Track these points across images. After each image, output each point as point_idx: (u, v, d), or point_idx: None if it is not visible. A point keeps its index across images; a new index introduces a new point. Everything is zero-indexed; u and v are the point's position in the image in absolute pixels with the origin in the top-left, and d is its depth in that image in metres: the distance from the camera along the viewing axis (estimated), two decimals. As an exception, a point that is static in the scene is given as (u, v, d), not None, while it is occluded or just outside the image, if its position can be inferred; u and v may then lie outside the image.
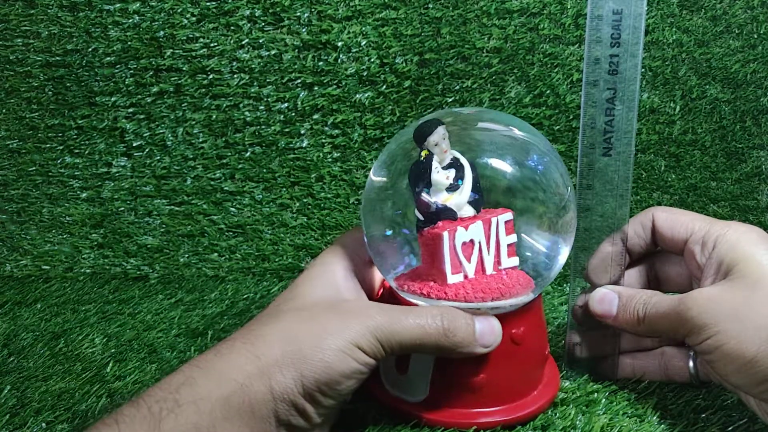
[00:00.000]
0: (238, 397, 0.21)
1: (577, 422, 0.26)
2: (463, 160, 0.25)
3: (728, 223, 0.26)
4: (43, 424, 0.27)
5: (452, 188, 0.25)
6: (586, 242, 0.28)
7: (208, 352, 0.22)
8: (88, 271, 0.46)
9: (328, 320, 0.23)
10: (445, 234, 0.24)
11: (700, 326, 0.23)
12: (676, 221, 0.27)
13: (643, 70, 0.46)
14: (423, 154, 0.24)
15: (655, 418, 0.26)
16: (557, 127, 0.46)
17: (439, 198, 0.24)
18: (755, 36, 0.46)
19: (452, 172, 0.25)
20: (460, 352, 0.24)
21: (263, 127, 0.46)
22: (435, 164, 0.24)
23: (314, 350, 0.21)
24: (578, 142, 0.27)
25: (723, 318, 0.23)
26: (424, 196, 0.24)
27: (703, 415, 0.27)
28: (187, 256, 0.46)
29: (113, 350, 0.34)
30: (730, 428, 0.26)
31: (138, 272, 0.45)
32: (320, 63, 0.45)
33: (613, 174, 0.27)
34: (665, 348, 0.29)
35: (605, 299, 0.27)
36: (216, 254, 0.46)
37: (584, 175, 0.27)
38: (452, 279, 0.24)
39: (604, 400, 0.27)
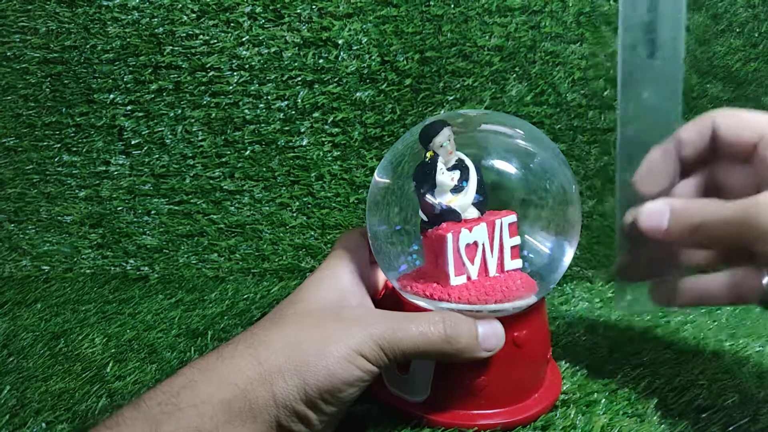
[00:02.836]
0: (239, 401, 0.20)
1: (578, 422, 0.26)
2: (468, 162, 0.25)
3: None
4: (43, 424, 0.27)
5: (457, 189, 0.25)
6: (633, 151, 0.24)
7: (210, 355, 0.22)
8: (88, 271, 0.45)
9: (331, 327, 0.23)
10: (449, 235, 0.24)
11: None
12: (743, 123, 0.24)
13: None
14: (428, 155, 0.24)
15: (655, 418, 0.26)
16: (558, 126, 0.46)
17: (443, 199, 0.24)
18: (756, 34, 0.46)
19: (457, 174, 0.24)
20: (463, 358, 0.24)
21: (263, 125, 0.46)
22: (440, 165, 0.24)
23: (317, 358, 0.21)
24: (617, 44, 0.24)
25: None
26: (429, 197, 0.24)
27: (704, 415, 0.27)
28: (186, 256, 0.46)
29: (113, 350, 0.34)
30: (731, 428, 0.26)
31: (138, 273, 0.45)
32: (321, 60, 0.45)
33: (659, 76, 0.23)
34: (731, 269, 0.26)
35: (654, 212, 0.24)
36: (216, 254, 0.46)
37: (626, 81, 0.24)
38: (455, 281, 0.24)
39: (604, 400, 0.27)
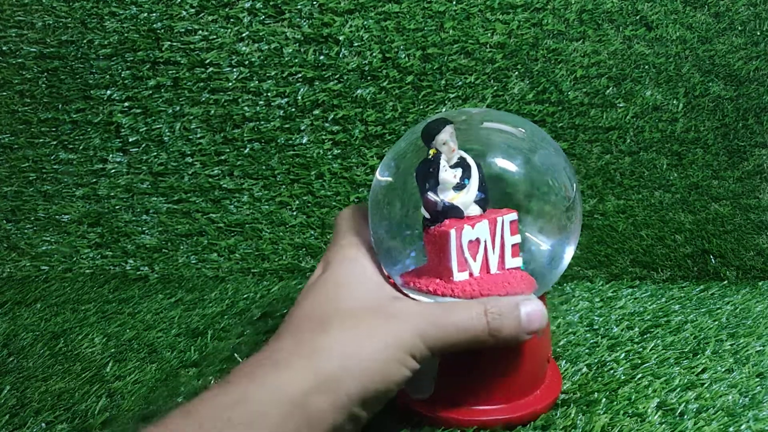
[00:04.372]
0: (296, 417, 0.20)
1: (578, 422, 0.26)
2: (470, 160, 0.25)
3: None
4: (43, 424, 0.27)
5: (459, 187, 0.25)
6: None
7: (263, 361, 0.22)
8: (87, 271, 0.45)
9: (378, 327, 0.23)
10: (453, 232, 0.24)
11: None
12: None
13: (646, 66, 0.46)
14: (431, 152, 0.24)
15: (656, 417, 0.26)
16: (560, 124, 0.46)
17: (446, 197, 0.24)
18: (758, 33, 0.46)
19: (459, 171, 0.24)
20: (506, 344, 0.24)
21: (262, 122, 0.45)
22: (443, 163, 0.24)
23: (372, 362, 0.22)
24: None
25: None
26: (431, 194, 0.24)
27: (703, 415, 0.27)
28: (186, 255, 0.46)
29: (113, 350, 0.34)
30: (731, 429, 0.26)
31: (137, 272, 0.45)
32: (321, 57, 0.44)
33: None
34: None
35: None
36: (215, 254, 0.46)
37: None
38: (458, 276, 0.24)
39: (604, 399, 0.28)
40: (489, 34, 0.45)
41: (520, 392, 0.26)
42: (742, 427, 0.26)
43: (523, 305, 0.24)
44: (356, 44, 0.44)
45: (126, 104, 0.45)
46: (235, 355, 0.33)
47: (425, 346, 0.22)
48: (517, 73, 0.45)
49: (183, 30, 0.44)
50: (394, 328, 0.22)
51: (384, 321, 0.23)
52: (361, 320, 0.23)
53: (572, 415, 0.27)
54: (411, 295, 0.25)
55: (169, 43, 0.44)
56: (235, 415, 0.20)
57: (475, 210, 0.25)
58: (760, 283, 0.46)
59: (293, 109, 0.45)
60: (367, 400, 0.22)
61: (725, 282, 0.46)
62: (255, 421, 0.20)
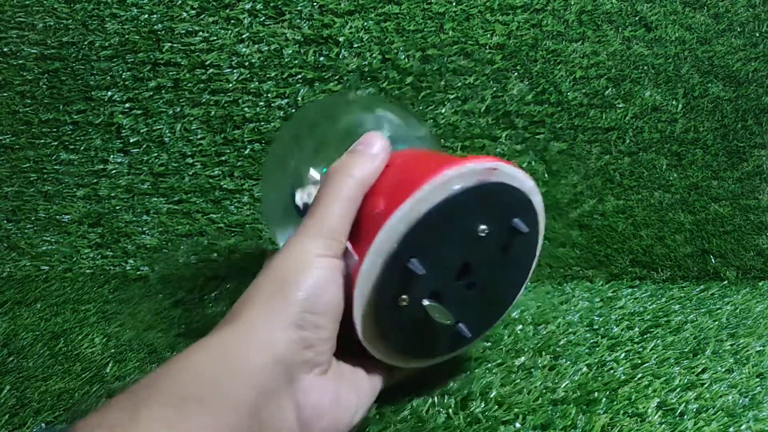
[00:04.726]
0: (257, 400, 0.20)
1: (578, 422, 0.26)
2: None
3: None
4: (43, 425, 0.27)
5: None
6: None
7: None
8: (87, 271, 0.45)
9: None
10: None
11: None
12: None
13: (645, 67, 0.46)
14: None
15: (656, 417, 0.26)
16: (559, 124, 0.46)
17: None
18: (757, 34, 0.46)
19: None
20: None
21: (263, 123, 0.45)
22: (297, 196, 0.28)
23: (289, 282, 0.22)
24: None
25: None
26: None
27: (703, 415, 0.27)
28: (186, 255, 0.46)
29: (113, 350, 0.34)
30: (731, 429, 0.26)
31: (137, 273, 0.45)
32: (321, 58, 0.45)
33: None
34: None
35: None
36: (215, 254, 0.46)
37: None
38: None
39: (604, 399, 0.27)
40: (488, 35, 0.45)
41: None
42: (742, 427, 0.26)
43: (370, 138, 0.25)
44: (356, 45, 0.44)
45: (127, 105, 0.45)
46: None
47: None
48: (516, 74, 0.45)
49: (183, 31, 0.44)
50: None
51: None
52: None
53: (572, 415, 0.27)
54: None
55: (169, 44, 0.44)
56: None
57: None
58: (760, 283, 0.46)
59: (293, 110, 0.45)
60: (301, 322, 0.21)
61: (725, 282, 0.46)
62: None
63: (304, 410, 0.21)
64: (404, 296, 0.23)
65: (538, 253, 0.28)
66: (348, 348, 0.24)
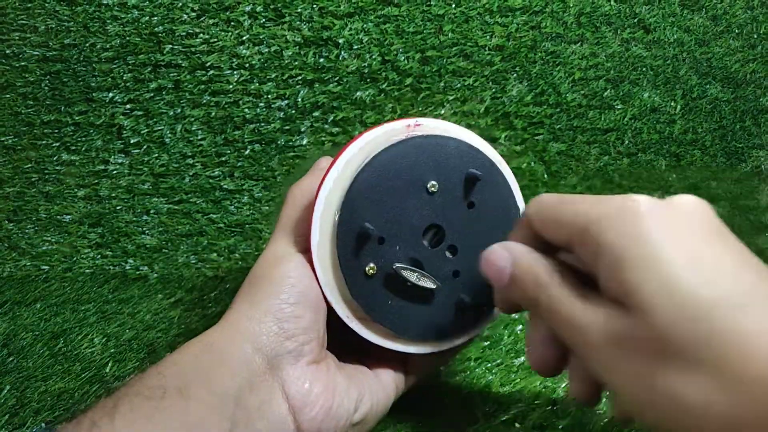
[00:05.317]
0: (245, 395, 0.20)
1: (578, 422, 0.26)
2: None
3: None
4: (43, 425, 0.27)
5: None
6: None
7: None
8: (87, 271, 0.45)
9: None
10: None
11: None
12: (556, 223, 0.20)
13: (644, 69, 0.46)
14: None
15: (656, 417, 0.26)
16: (558, 126, 0.46)
17: None
18: (755, 36, 0.46)
19: None
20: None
21: (263, 124, 0.46)
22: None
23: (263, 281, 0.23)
24: None
25: None
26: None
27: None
28: (186, 255, 0.46)
29: (113, 350, 0.34)
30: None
31: (137, 272, 0.45)
32: (321, 60, 0.45)
33: None
34: None
35: (498, 260, 0.21)
36: (215, 254, 0.46)
37: None
38: None
39: (604, 398, 0.27)
40: (488, 37, 0.45)
41: None
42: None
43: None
44: (356, 47, 0.45)
45: (128, 106, 0.45)
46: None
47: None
48: (515, 75, 0.46)
49: (184, 33, 0.44)
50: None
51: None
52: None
53: (572, 414, 0.26)
54: None
55: (170, 46, 0.44)
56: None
57: None
58: (759, 284, 0.46)
59: (293, 111, 0.46)
60: (278, 315, 0.22)
61: (725, 283, 0.46)
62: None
63: (294, 399, 0.21)
64: (371, 264, 0.23)
65: (521, 205, 0.26)
66: (352, 349, 0.24)
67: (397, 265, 0.23)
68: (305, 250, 0.24)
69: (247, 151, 0.46)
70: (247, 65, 0.45)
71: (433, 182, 0.23)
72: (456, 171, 0.24)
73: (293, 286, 0.22)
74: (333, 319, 0.24)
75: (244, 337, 0.21)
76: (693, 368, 0.15)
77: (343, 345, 0.24)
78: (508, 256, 0.21)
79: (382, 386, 0.25)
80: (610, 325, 0.17)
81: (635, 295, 0.16)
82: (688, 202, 0.18)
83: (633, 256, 0.17)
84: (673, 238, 0.17)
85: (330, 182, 0.23)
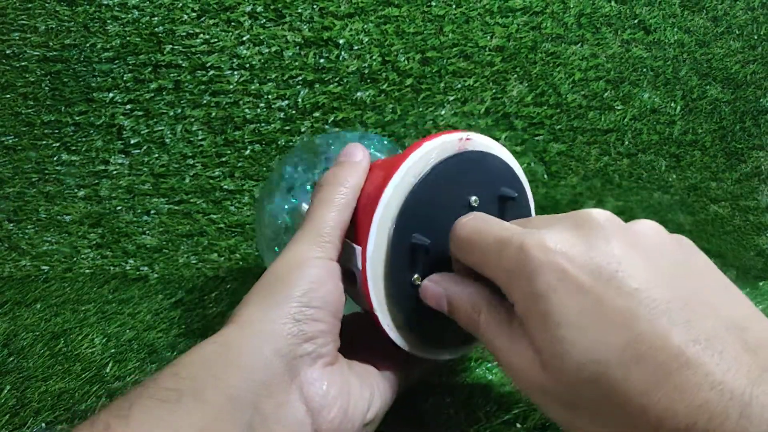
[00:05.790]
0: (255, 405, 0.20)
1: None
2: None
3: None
4: (43, 425, 0.27)
5: None
6: None
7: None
8: (87, 271, 0.45)
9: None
10: None
11: None
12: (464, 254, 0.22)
13: (644, 69, 0.46)
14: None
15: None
16: (558, 126, 0.46)
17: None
18: (755, 37, 0.46)
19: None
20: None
21: (263, 124, 0.46)
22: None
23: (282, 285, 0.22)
24: None
25: None
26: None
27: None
28: (186, 256, 0.46)
29: (113, 350, 0.34)
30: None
31: (137, 273, 0.45)
32: (321, 60, 0.45)
33: None
34: None
35: (434, 296, 0.23)
36: (216, 254, 0.46)
37: None
38: None
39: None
40: (488, 38, 0.45)
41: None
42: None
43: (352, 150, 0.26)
44: (356, 47, 0.45)
45: (128, 107, 0.45)
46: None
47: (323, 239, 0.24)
48: (516, 76, 0.46)
49: (184, 33, 0.44)
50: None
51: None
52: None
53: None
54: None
55: (170, 46, 0.44)
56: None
57: None
58: (760, 284, 0.46)
59: (294, 112, 0.46)
60: (301, 316, 0.21)
61: (725, 284, 0.46)
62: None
63: (312, 401, 0.21)
64: (416, 275, 0.23)
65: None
66: (358, 347, 0.25)
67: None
68: (335, 258, 0.23)
69: (248, 152, 0.46)
70: (247, 65, 0.45)
71: (475, 197, 0.24)
72: (494, 188, 0.25)
73: (316, 290, 0.22)
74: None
75: (262, 338, 0.21)
76: (601, 421, 0.17)
77: (347, 344, 0.24)
78: (440, 292, 0.23)
79: (389, 384, 0.25)
80: (533, 374, 0.18)
81: (541, 352, 0.18)
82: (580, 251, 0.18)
83: (534, 316, 0.18)
84: (564, 295, 0.17)
85: (390, 190, 0.23)
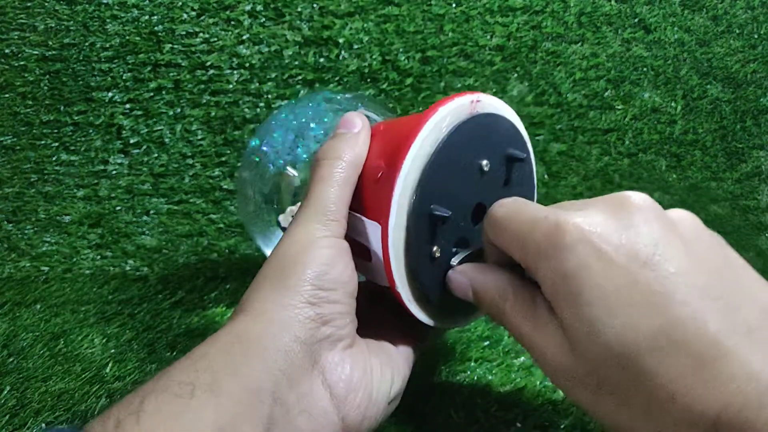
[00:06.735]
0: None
1: (578, 422, 0.26)
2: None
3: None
4: (43, 425, 0.27)
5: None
6: None
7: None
8: (87, 271, 0.45)
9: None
10: None
11: None
12: (503, 239, 0.21)
13: (645, 69, 0.46)
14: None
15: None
16: (559, 126, 0.46)
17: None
18: (756, 36, 0.46)
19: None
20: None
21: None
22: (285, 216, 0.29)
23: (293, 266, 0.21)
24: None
25: None
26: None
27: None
28: (186, 256, 0.46)
29: (113, 350, 0.34)
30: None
31: (137, 273, 0.45)
32: (321, 59, 0.45)
33: None
34: None
35: (460, 285, 0.23)
36: (215, 254, 0.46)
37: None
38: None
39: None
40: (488, 37, 0.45)
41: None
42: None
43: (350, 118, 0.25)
44: (356, 47, 0.45)
45: (127, 106, 0.45)
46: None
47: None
48: (516, 75, 0.46)
49: (184, 33, 0.44)
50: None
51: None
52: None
53: (574, 413, 0.27)
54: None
55: (170, 45, 0.44)
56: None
57: None
58: (759, 285, 0.46)
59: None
60: (313, 297, 0.20)
61: (725, 283, 0.46)
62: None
63: (336, 387, 0.20)
64: (435, 247, 0.23)
65: (535, 182, 0.28)
66: (370, 323, 0.24)
67: (456, 257, 0.24)
68: (341, 236, 0.22)
69: (247, 151, 0.46)
70: (247, 65, 0.45)
71: (486, 161, 0.24)
72: (502, 150, 0.25)
73: (327, 271, 0.21)
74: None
75: (280, 325, 0.19)
76: (626, 406, 0.16)
77: (361, 321, 0.23)
78: (466, 282, 0.22)
79: (405, 360, 0.24)
80: (559, 356, 0.18)
81: (569, 332, 0.17)
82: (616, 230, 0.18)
83: (563, 295, 0.18)
84: (598, 274, 0.17)
85: (409, 162, 0.22)
